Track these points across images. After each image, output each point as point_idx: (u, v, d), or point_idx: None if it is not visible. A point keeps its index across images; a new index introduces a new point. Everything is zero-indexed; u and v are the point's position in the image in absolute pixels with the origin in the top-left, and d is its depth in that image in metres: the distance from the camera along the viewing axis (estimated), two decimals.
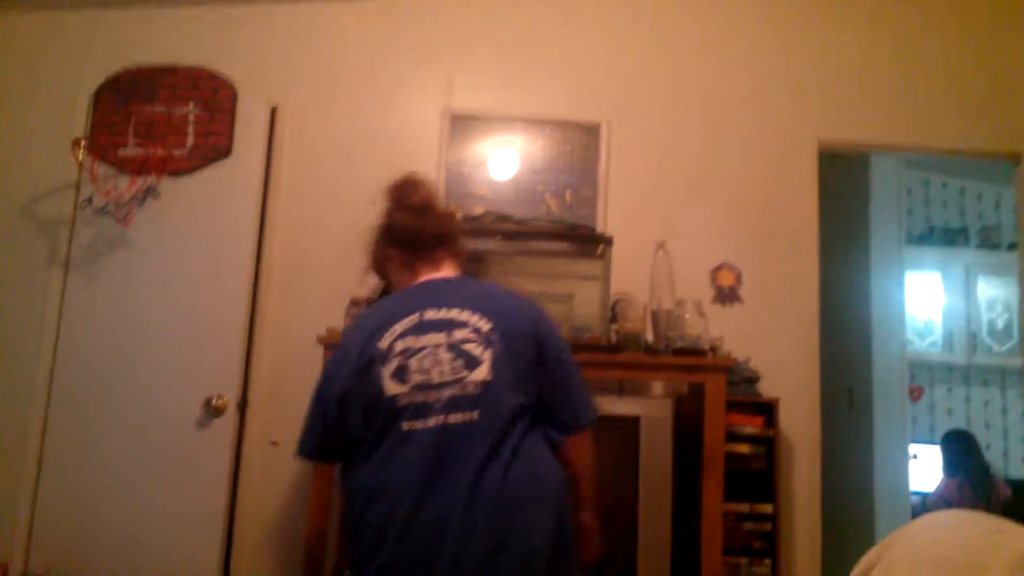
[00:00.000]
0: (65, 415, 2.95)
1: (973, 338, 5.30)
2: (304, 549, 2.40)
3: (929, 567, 0.95)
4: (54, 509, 2.89)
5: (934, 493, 4.46)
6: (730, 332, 2.92)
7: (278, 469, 2.99)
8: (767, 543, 2.72)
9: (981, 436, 4.89)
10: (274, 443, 3.01)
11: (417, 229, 1.98)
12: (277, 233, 3.12)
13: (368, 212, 3.02)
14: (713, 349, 2.62)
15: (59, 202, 3.08)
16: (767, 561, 2.69)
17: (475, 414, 1.73)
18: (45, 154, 3.11)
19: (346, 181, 3.16)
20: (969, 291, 5.33)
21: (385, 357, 1.78)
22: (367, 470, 1.77)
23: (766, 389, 2.97)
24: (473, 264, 2.74)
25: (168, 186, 3.03)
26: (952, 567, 0.94)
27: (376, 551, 1.70)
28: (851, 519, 4.06)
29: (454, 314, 1.82)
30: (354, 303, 2.70)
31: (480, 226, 2.71)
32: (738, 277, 3.14)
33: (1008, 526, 1.08)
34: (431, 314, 1.83)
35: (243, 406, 2.96)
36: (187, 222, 3.02)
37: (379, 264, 2.09)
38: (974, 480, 4.30)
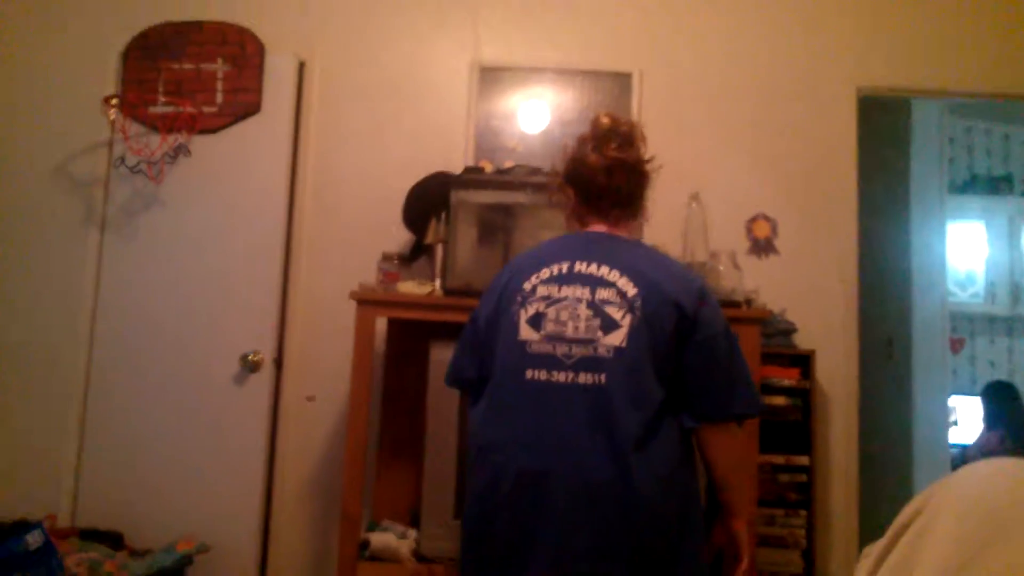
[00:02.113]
0: (106, 372, 3.00)
1: (1016, 288, 5.18)
2: (342, 500, 2.42)
3: (975, 516, 0.93)
4: (98, 464, 2.97)
5: (974, 446, 4.41)
6: (766, 284, 2.88)
7: (315, 424, 3.02)
8: (803, 494, 2.71)
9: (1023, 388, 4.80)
10: (310, 398, 3.04)
11: (605, 185, 1.86)
12: (308, 189, 3.12)
13: (397, 168, 3.03)
14: (748, 301, 2.58)
15: (92, 161, 3.10)
16: (803, 512, 2.69)
17: (602, 377, 1.66)
18: (77, 113, 3.12)
19: (375, 136, 3.14)
20: (1013, 240, 5.20)
21: (526, 299, 1.76)
22: (485, 414, 1.75)
23: (802, 341, 2.93)
24: (504, 218, 2.73)
25: (199, 143, 3.03)
26: (999, 516, 0.92)
27: (484, 494, 1.70)
28: (889, 472, 4.02)
29: (603, 272, 1.75)
30: (386, 258, 2.70)
31: (510, 179, 2.68)
32: (774, 228, 3.08)
33: None
34: (580, 266, 1.76)
35: (279, 362, 3.00)
36: (219, 179, 3.03)
37: (556, 196, 1.97)
38: (1016, 432, 4.24)
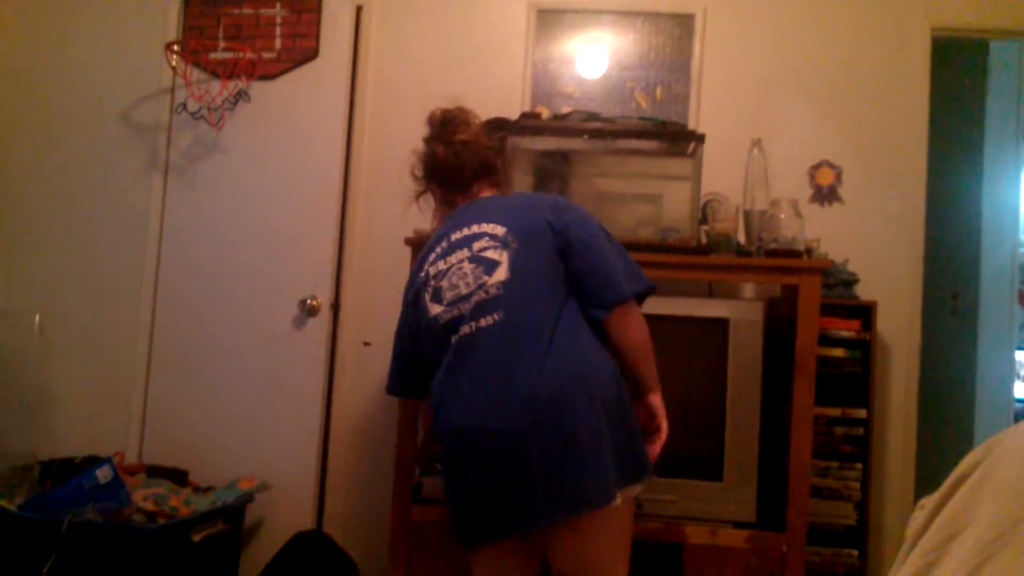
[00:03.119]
0: (170, 316, 3.09)
1: None
2: (396, 444, 2.47)
3: None
4: (164, 405, 3.07)
5: None
6: (828, 233, 2.81)
7: (370, 368, 3.07)
8: (859, 448, 2.67)
9: None
10: (366, 343, 3.09)
11: (458, 167, 2.06)
12: (364, 136, 3.13)
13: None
14: (809, 251, 2.52)
15: (155, 107, 3.15)
16: (858, 465, 2.65)
17: (500, 314, 1.82)
18: (139, 60, 3.17)
19: (431, 80, 3.12)
20: None
21: (425, 284, 1.95)
22: (434, 385, 1.91)
23: (865, 292, 2.87)
24: (560, 165, 2.70)
25: (258, 89, 3.06)
26: None
27: (445, 454, 1.89)
28: (949, 427, 3.94)
29: (473, 229, 1.94)
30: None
31: (567, 125, 2.65)
32: (838, 175, 3.00)
33: None
34: (455, 235, 1.95)
35: (336, 307, 3.04)
36: (278, 125, 3.05)
37: (419, 196, 2.20)
38: None
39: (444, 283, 1.90)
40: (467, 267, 1.88)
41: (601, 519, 1.77)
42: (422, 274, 1.98)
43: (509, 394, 1.76)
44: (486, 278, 1.85)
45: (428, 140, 2.13)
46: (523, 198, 2.06)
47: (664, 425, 1.95)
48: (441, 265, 1.93)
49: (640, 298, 1.96)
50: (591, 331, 1.87)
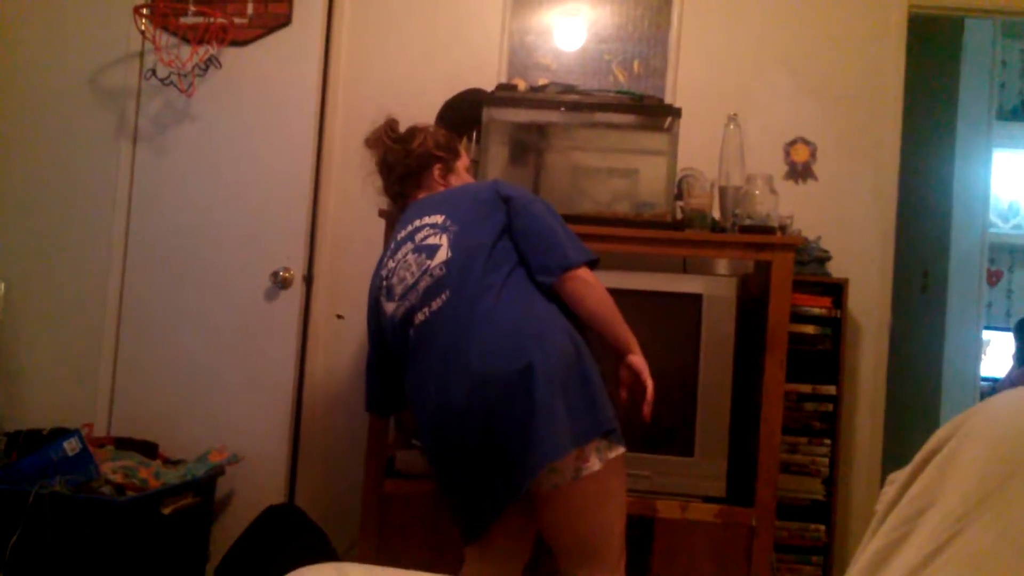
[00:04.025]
0: (139, 287, 3.04)
1: None
2: (369, 417, 2.46)
3: (1007, 443, 0.91)
4: (133, 376, 3.03)
5: (1005, 380, 4.36)
6: (802, 210, 2.82)
7: (344, 342, 3.06)
8: (828, 424, 2.70)
9: None
10: (339, 316, 3.07)
11: (405, 163, 2.15)
12: (338, 105, 3.08)
13: (428, 84, 2.97)
14: (782, 227, 2.53)
15: (124, 73, 3.08)
16: (827, 441, 2.68)
17: (446, 294, 1.83)
18: (107, 23, 3.08)
19: (406, 51, 3.08)
20: None
21: (379, 286, 2.00)
22: (406, 387, 1.96)
23: (836, 269, 2.89)
24: (536, 138, 2.68)
25: (230, 56, 2.99)
26: None
27: (429, 451, 1.93)
28: (917, 403, 4.01)
29: (416, 223, 1.99)
30: None
31: (543, 97, 2.62)
32: (813, 152, 3.00)
33: None
34: (401, 234, 2.01)
35: (309, 279, 3.01)
36: (250, 93, 3.00)
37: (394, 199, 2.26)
38: None
39: (394, 279, 1.94)
40: (411, 258, 1.92)
41: (576, 488, 1.76)
42: (376, 279, 2.03)
43: (465, 372, 1.75)
44: (429, 263, 1.88)
45: (378, 144, 2.22)
46: (463, 187, 2.13)
47: (650, 383, 1.94)
48: (390, 264, 1.98)
49: (591, 264, 1.96)
50: (543, 297, 1.87)
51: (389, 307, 1.94)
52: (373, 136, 2.22)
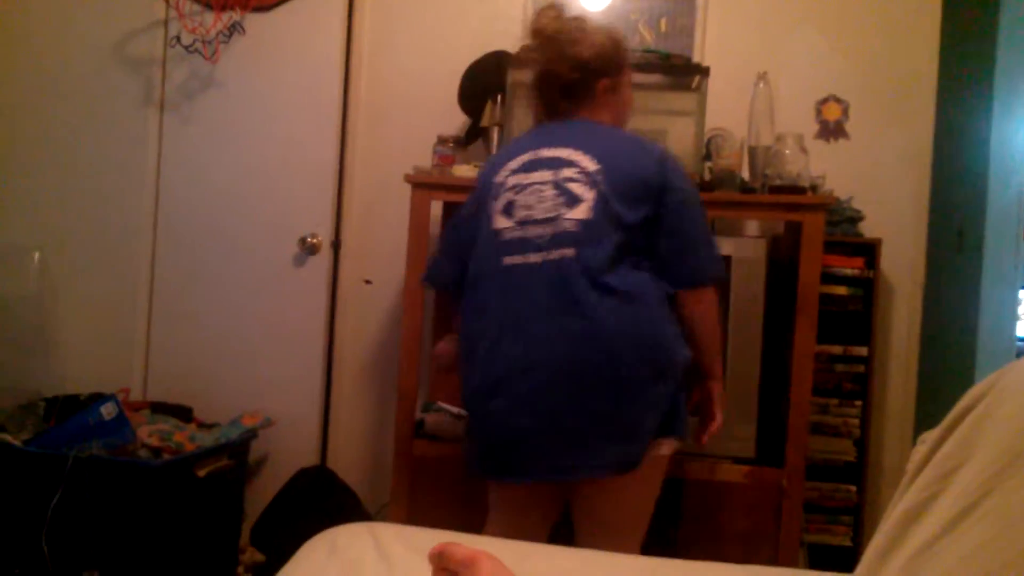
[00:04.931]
0: (170, 254, 3.08)
1: None
2: (398, 380, 2.48)
3: None
4: (167, 342, 3.08)
5: None
6: (834, 169, 2.77)
7: (372, 307, 3.08)
8: (859, 385, 2.68)
9: None
10: (367, 281, 3.08)
11: (558, 76, 1.92)
12: (363, 70, 3.07)
13: (454, 47, 2.95)
14: (813, 187, 2.49)
15: (149, 40, 3.08)
16: (858, 403, 2.66)
17: (572, 251, 1.72)
18: None
19: (431, 14, 3.05)
20: None
21: (499, 191, 1.84)
22: (472, 303, 1.84)
23: (869, 229, 2.84)
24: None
25: (253, 22, 2.99)
26: None
27: (473, 375, 1.81)
28: (951, 364, 3.95)
29: (565, 153, 1.82)
30: (441, 141, 2.65)
31: None
32: (845, 111, 2.94)
33: None
34: (544, 152, 1.84)
35: (336, 245, 3.02)
36: (274, 59, 2.99)
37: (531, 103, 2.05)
38: None
39: (519, 198, 1.80)
40: (548, 192, 1.78)
41: (629, 482, 1.76)
42: (497, 179, 1.86)
43: (568, 333, 1.69)
44: (565, 210, 1.75)
45: (535, 54, 1.98)
46: (626, 140, 1.89)
47: (719, 415, 1.94)
48: (521, 178, 1.82)
49: (716, 282, 1.91)
50: (662, 296, 1.79)
51: (500, 222, 1.81)
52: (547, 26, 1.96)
